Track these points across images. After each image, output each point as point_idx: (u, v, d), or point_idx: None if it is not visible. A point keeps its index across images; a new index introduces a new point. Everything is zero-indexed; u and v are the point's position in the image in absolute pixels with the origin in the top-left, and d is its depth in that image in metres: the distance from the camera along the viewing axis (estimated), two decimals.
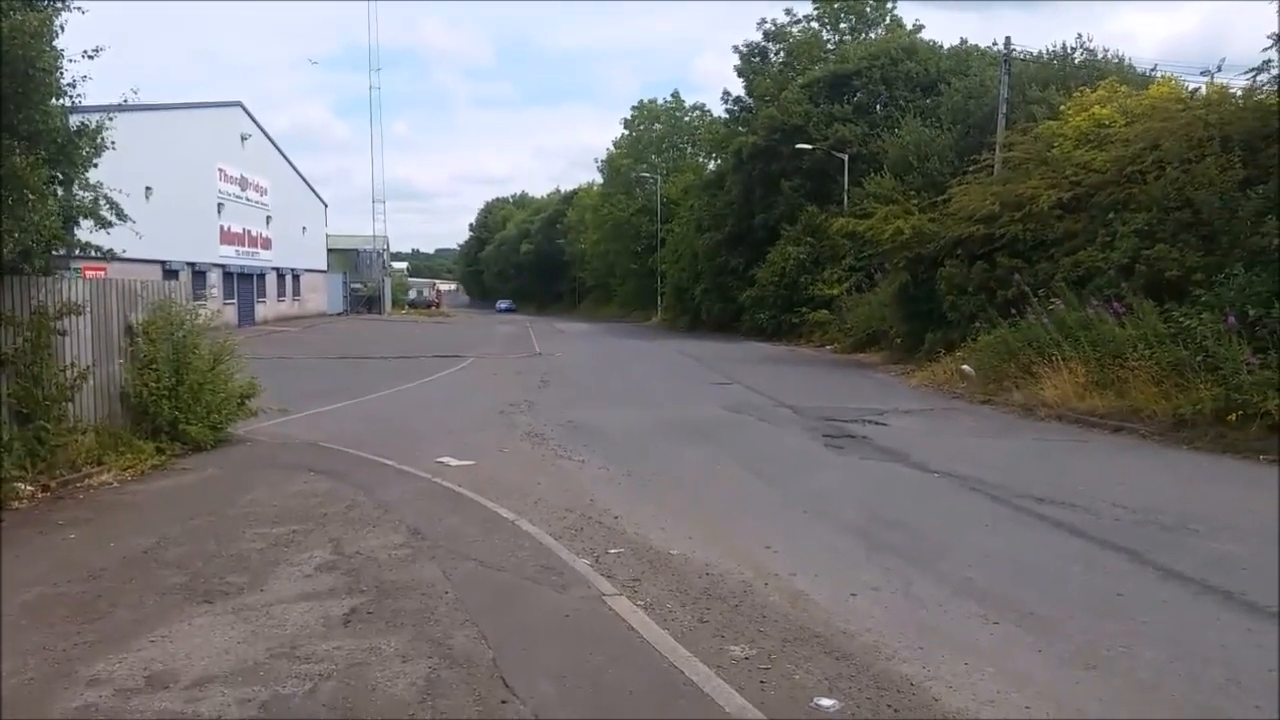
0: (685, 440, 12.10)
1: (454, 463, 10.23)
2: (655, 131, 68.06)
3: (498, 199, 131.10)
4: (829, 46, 43.76)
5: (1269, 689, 4.61)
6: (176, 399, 10.48)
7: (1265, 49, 14.60)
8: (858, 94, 37.11)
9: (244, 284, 44.17)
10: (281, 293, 49.98)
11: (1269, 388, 10.89)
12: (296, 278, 52.45)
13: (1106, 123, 18.93)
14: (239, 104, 44.75)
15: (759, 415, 14.44)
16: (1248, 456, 10.38)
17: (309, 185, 56.08)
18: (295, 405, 14.19)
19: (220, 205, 42.08)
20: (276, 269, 48.67)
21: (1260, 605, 5.62)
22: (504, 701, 4.46)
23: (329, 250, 60.29)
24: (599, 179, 78.36)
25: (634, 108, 69.48)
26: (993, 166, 21.64)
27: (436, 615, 5.51)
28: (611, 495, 8.77)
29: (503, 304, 74.88)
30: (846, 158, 34.36)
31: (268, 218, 47.30)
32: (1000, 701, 4.56)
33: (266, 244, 47.19)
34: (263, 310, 46.09)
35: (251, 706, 4.42)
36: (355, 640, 5.16)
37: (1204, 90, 17.44)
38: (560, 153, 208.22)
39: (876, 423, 13.46)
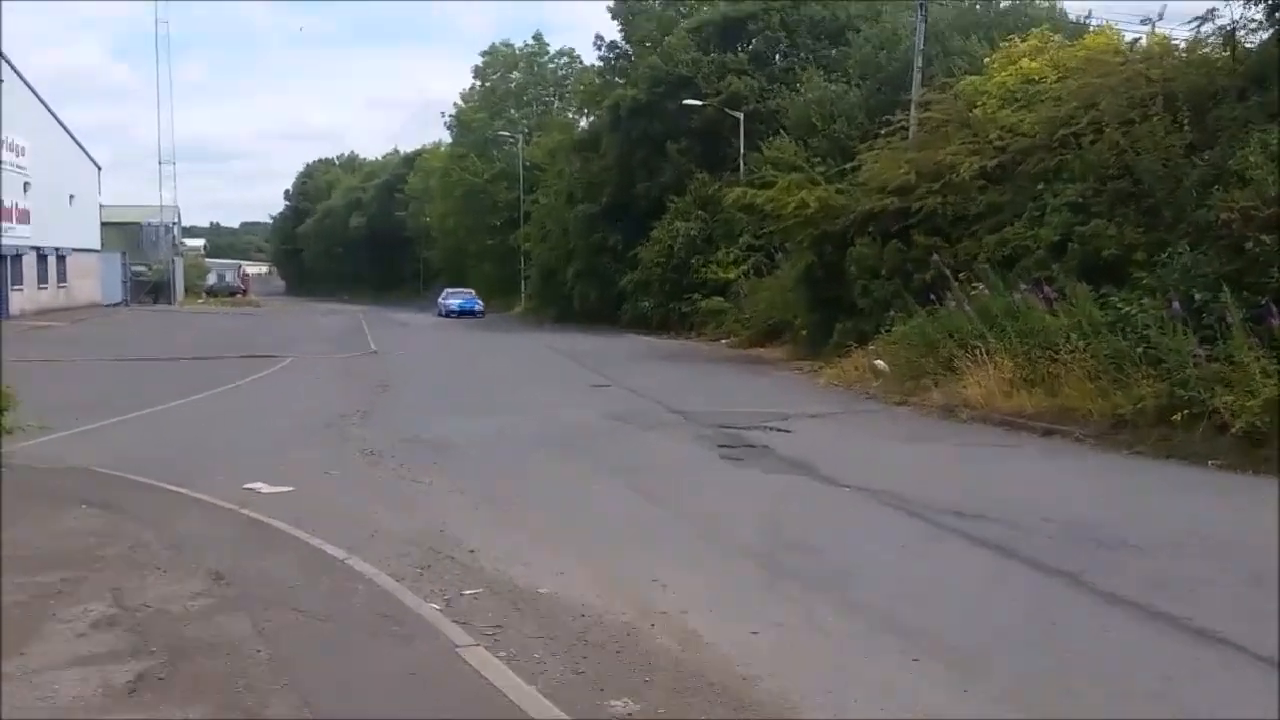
0: (556, 454, 12.08)
1: (267, 489, 9.91)
2: (513, 81, 67.85)
3: (320, 160, 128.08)
4: None
5: None
6: None
7: None
8: (754, 41, 37.90)
9: None
10: (43, 278, 47.53)
11: (1217, 383, 11.28)
12: (62, 259, 49.92)
13: (1036, 78, 19.80)
14: None
15: (643, 423, 14.53)
16: (1195, 461, 10.99)
17: (78, 143, 53.66)
18: (62, 421, 13.49)
19: None
20: (36, 248, 46.14)
21: (1211, 631, 5.98)
22: None
23: (104, 224, 57.50)
24: (447, 137, 77.74)
25: (486, 52, 69.26)
26: (908, 129, 22.38)
27: (248, 679, 5.31)
28: (466, 524, 8.67)
29: (454, 301, 53.02)
30: (742, 116, 35.00)
31: (25, 184, 44.74)
32: None
33: (23, 217, 44.61)
34: (19, 301, 43.67)
35: None
36: (144, 713, 4.92)
37: (1144, 42, 18.47)
38: (399, 104, 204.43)
39: (780, 429, 13.71)
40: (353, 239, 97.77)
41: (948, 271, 17.25)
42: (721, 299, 32.62)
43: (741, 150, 34.27)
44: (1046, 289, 15.00)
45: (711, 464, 11.50)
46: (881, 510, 9.11)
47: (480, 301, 53.08)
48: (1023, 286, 15.45)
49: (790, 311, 26.11)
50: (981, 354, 14.99)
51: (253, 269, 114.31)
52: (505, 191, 63.21)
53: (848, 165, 23.64)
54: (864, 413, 15.62)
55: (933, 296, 17.30)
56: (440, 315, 51.35)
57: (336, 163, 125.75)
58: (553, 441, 13.02)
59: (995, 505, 9.07)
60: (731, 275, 32.53)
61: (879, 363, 18.04)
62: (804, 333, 24.43)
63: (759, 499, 9.58)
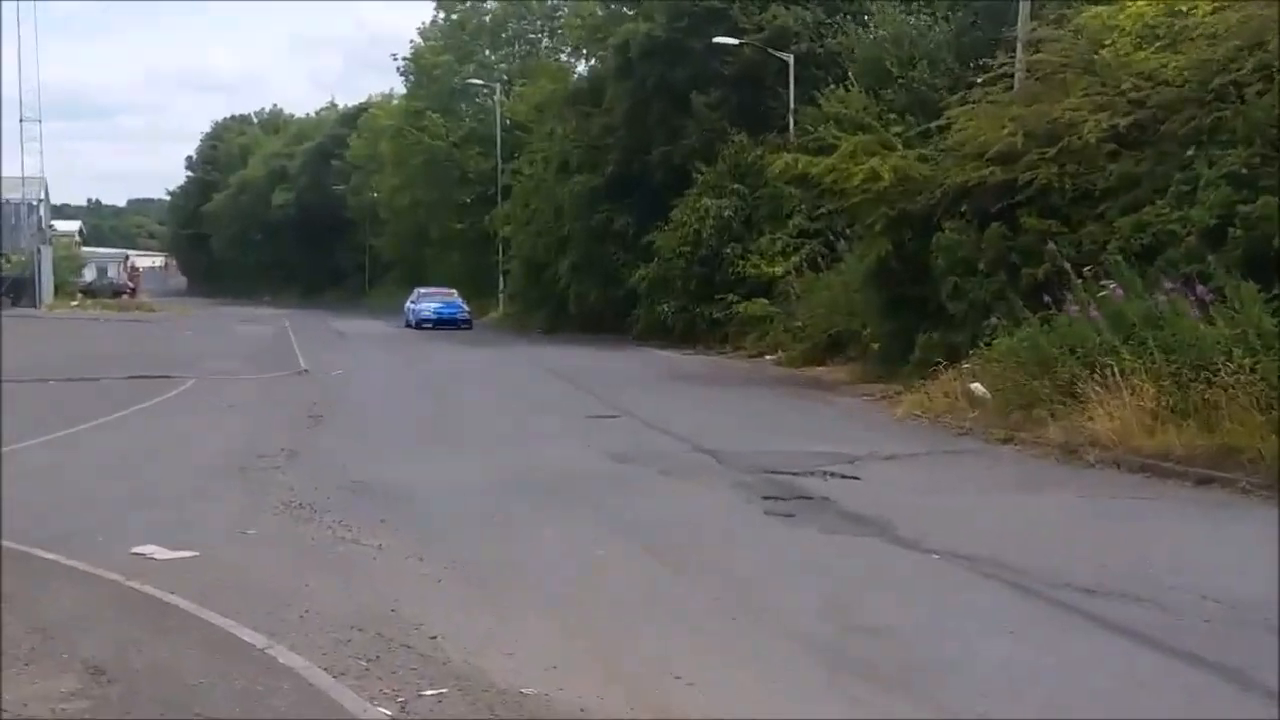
0: (545, 507, 12.08)
1: (163, 554, 9.92)
2: (488, 13, 68.31)
3: (233, 118, 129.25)
4: None
5: None
6: None
7: None
8: None
9: None
10: None
11: None
12: None
13: (1184, 8, 19.73)
14: None
15: (662, 466, 14.52)
16: None
17: None
18: None
19: None
20: None
21: None
22: None
23: None
24: (400, 87, 78.27)
25: None
26: (1012, 76, 22.41)
27: None
28: (427, 600, 8.65)
29: (430, 305, 51.81)
30: (792, 59, 35.12)
31: None
32: None
33: None
34: None
35: None
36: None
37: None
38: (334, 43, 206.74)
39: (843, 476, 13.66)
40: (276, 221, 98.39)
41: (1067, 266, 17.21)
42: (765, 301, 32.71)
43: (791, 104, 34.38)
44: (1200, 289, 14.95)
45: (752, 521, 11.47)
46: (982, 584, 9.05)
47: (465, 306, 52.50)
48: (1167, 285, 15.40)
49: (857, 318, 26.12)
50: (1113, 376, 14.94)
51: (144, 261, 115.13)
52: (478, 158, 63.53)
53: (933, 124, 23.63)
54: (956, 453, 15.57)
55: (1047, 299, 17.30)
56: (409, 325, 50.79)
57: (255, 121, 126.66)
58: (541, 490, 12.99)
59: (1135, 579, 9.01)
60: (778, 270, 32.61)
61: (976, 387, 18.00)
62: (875, 346, 24.43)
63: (816, 567, 9.55)
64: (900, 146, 23.08)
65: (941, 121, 22.94)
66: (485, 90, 64.49)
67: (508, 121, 59.42)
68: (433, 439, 17.49)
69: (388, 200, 74.99)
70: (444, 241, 68.52)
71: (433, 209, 68.10)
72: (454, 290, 54.75)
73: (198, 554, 9.98)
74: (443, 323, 49.42)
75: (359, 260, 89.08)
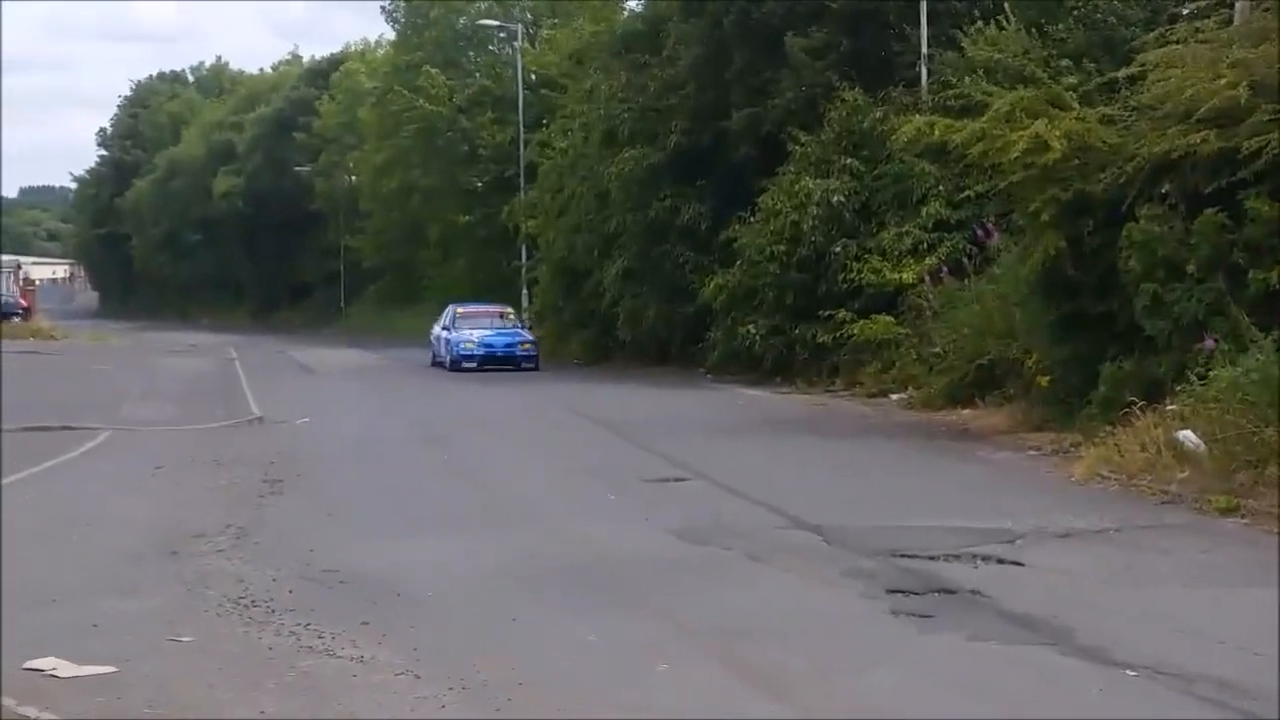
0: (587, 606, 12.04)
1: (68, 670, 9.97)
2: None
3: (162, 76, 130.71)
4: None
5: None
6: None
7: None
8: None
9: None
10: None
11: None
12: None
13: None
14: None
15: (750, 549, 14.48)
16: None
17: None
18: None
19: None
20: None
21: None
22: None
23: None
24: (387, 34, 78.88)
25: None
26: (1232, 6, 22.29)
27: None
28: None
29: (476, 333, 46.82)
30: None
31: None
32: None
33: None
34: None
35: None
36: None
37: None
38: None
39: (1000, 561, 13.63)
40: (219, 216, 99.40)
41: None
42: (890, 319, 32.53)
43: (923, 48, 34.40)
44: None
45: (874, 624, 11.40)
46: (1198, 713, 8.95)
47: (528, 333, 49.13)
48: None
49: (1017, 343, 25.90)
50: None
51: (41, 271, 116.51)
52: (491, 128, 63.78)
53: (1120, 73, 23.47)
54: (1158, 529, 15.40)
55: None
56: (441, 364, 47.07)
57: (190, 80, 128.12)
58: (580, 583, 12.99)
59: None
60: (907, 276, 32.49)
61: (1185, 436, 17.82)
62: (1043, 381, 24.21)
63: (963, 690, 9.47)
64: (1076, 104, 22.93)
65: (1133, 69, 22.79)
66: (502, 35, 64.94)
67: (532, 77, 59.79)
68: (432, 512, 17.45)
69: (370, 186, 75.50)
70: (446, 241, 68.92)
71: (431, 197, 68.53)
72: (508, 309, 51.35)
73: (114, 669, 9.99)
74: (494, 360, 45.17)
75: (330, 268, 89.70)
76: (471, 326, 47.37)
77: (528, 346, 46.61)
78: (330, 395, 35.86)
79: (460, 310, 49.17)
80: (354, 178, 79.56)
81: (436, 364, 47.40)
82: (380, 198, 74.14)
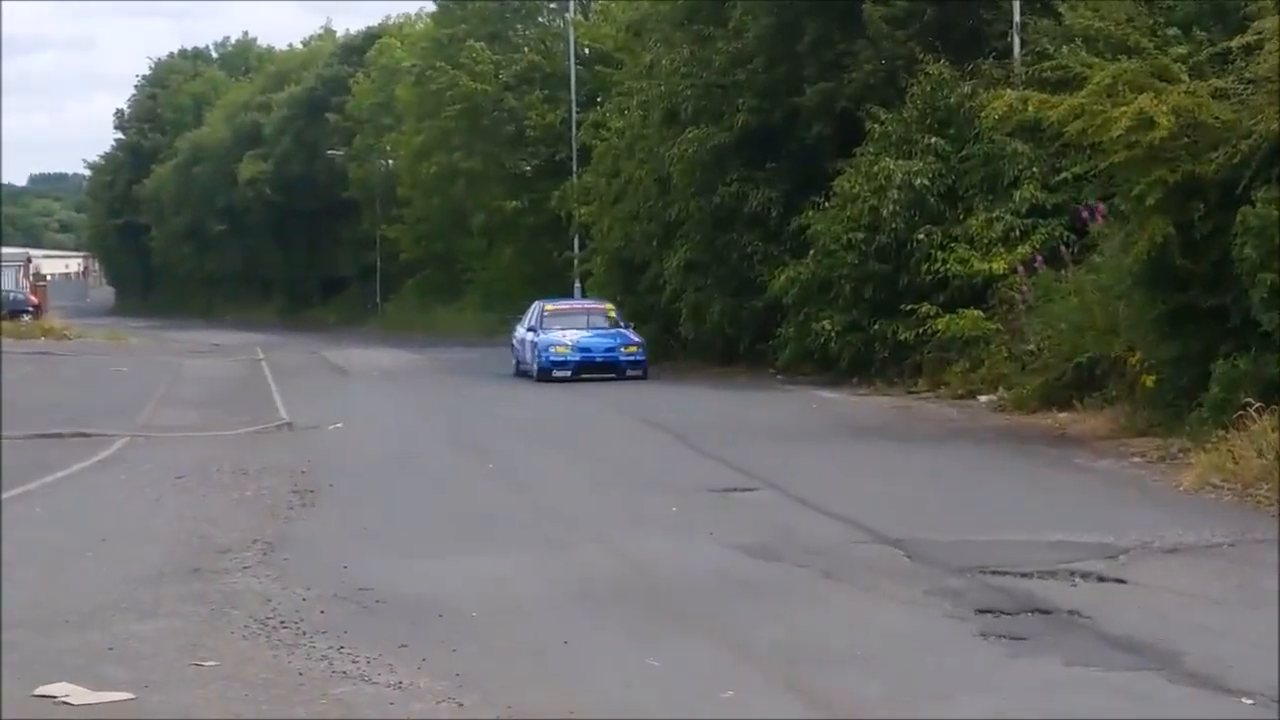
0: (644, 628, 12.06)
1: (82, 697, 10.01)
2: None
3: (183, 53, 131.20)
4: None
5: None
6: None
7: None
8: None
9: None
10: None
11: None
12: None
13: None
14: None
15: (825, 566, 14.46)
16: None
17: None
18: None
19: None
20: None
21: None
22: None
23: None
24: (428, 5, 78.99)
25: None
26: None
27: None
28: None
29: (570, 335, 43.01)
30: None
31: None
32: None
33: None
34: None
35: None
36: None
37: None
38: None
39: (1101, 578, 13.57)
40: (245, 205, 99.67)
41: None
42: (979, 314, 32.39)
43: (1016, 16, 34.25)
44: None
45: (963, 647, 11.34)
46: None
47: (634, 335, 43.87)
48: None
49: (1120, 339, 25.78)
50: None
51: (53, 265, 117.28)
52: (541, 108, 63.82)
53: (1234, 43, 23.33)
54: (1275, 544, 15.19)
55: None
56: (527, 372, 43.26)
57: (214, 57, 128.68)
58: (637, 603, 13.00)
59: None
60: (998, 267, 32.37)
61: None
62: (1149, 382, 24.09)
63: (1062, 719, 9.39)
64: (1185, 77, 22.78)
65: (1249, 38, 22.63)
66: (552, 6, 65.02)
67: (586, 51, 59.82)
68: (475, 527, 17.53)
69: (408, 171, 75.64)
70: (491, 230, 69.00)
71: (475, 182, 68.62)
72: (608, 305, 46.78)
73: (132, 696, 10.02)
74: (593, 367, 41.50)
75: (366, 260, 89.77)
76: (564, 326, 43.54)
77: (634, 350, 42.39)
78: (366, 399, 35.96)
79: (549, 307, 45.44)
80: (391, 162, 79.77)
81: (521, 372, 43.70)
82: (420, 184, 74.20)
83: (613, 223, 50.93)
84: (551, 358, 41.83)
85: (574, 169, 57.36)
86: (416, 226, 78.27)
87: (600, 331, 43.47)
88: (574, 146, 57.59)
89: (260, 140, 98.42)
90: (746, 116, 41.54)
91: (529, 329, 43.99)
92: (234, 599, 13.16)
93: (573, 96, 58.74)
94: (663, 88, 46.28)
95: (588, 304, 48.14)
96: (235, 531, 16.54)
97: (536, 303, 46.50)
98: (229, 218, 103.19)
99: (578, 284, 57.65)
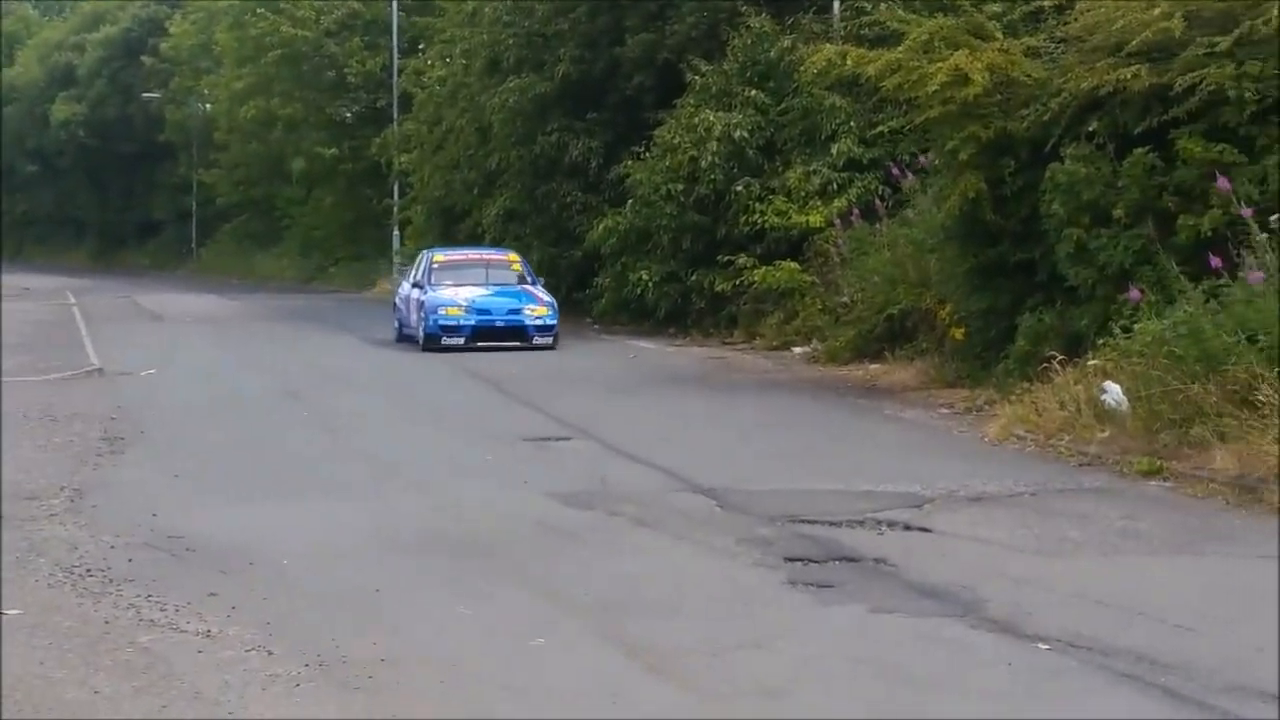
0: (457, 576, 12.12)
1: None
2: None
3: None
4: None
5: None
6: None
7: None
8: None
9: None
10: None
11: None
12: None
13: None
14: None
15: (638, 514, 14.55)
16: None
17: None
18: None
19: None
20: None
21: None
22: None
23: None
24: None
25: None
26: None
27: None
28: (279, 715, 8.63)
29: (464, 294, 35.09)
30: None
31: None
32: None
33: None
34: None
35: None
36: None
37: None
38: None
39: (908, 527, 13.76)
40: (57, 148, 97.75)
41: (1248, 212, 17.25)
42: (795, 266, 32.57)
43: None
44: None
45: (771, 595, 11.48)
46: (1116, 689, 9.06)
47: (546, 295, 35.90)
48: None
49: (931, 292, 26.02)
50: None
51: None
52: (362, 55, 63.25)
53: (1045, 1, 23.56)
54: (1077, 493, 15.59)
55: (1216, 262, 17.28)
56: (411, 337, 36.15)
57: None
58: (451, 551, 13.02)
59: None
60: (814, 219, 32.53)
61: (1109, 392, 18.01)
62: (958, 334, 24.34)
63: (865, 666, 9.54)
64: (999, 34, 22.99)
65: None
66: None
67: None
68: (289, 474, 17.46)
69: (226, 115, 74.62)
70: (311, 176, 68.31)
71: (295, 129, 67.92)
72: (511, 255, 39.16)
73: None
74: (493, 334, 34.52)
75: (182, 205, 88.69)
76: (457, 282, 35.97)
77: (543, 313, 34.83)
78: (180, 345, 35.45)
79: (440, 258, 37.86)
80: (209, 106, 78.63)
81: (406, 337, 36.60)
82: (238, 129, 73.28)
83: (433, 171, 50.64)
84: (441, 321, 34.49)
85: (395, 116, 56.96)
86: (234, 172, 77.39)
87: (503, 289, 35.87)
88: (395, 94, 57.24)
89: (74, 81, 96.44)
90: (568, 66, 41.33)
91: (414, 284, 36.49)
92: (40, 547, 13.02)
93: (394, 44, 58.32)
94: (485, 36, 46.04)
95: (487, 253, 39.63)
96: (42, 479, 16.31)
97: (424, 251, 39.98)
98: (40, 159, 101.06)
99: (396, 231, 57.39)
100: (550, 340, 34.29)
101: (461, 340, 33.99)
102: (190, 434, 20.63)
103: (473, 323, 34.35)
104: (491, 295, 35.19)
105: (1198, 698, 8.79)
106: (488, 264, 37.60)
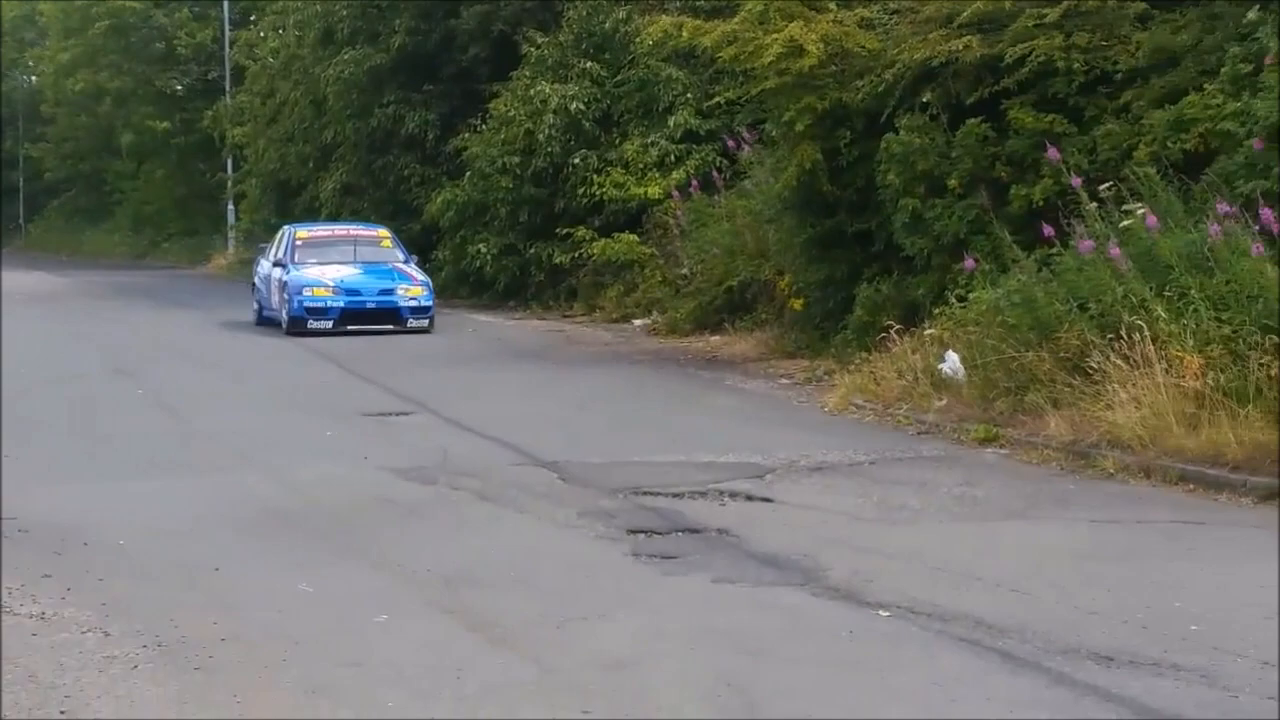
0: (297, 553, 12.07)
1: None
2: None
3: None
4: None
5: None
6: None
7: None
8: None
9: None
10: None
11: None
12: None
13: None
14: None
15: (478, 488, 14.58)
16: None
17: None
18: None
19: None
20: None
21: None
22: None
23: None
24: None
25: None
26: None
27: None
28: (116, 697, 8.51)
29: (331, 274, 32.71)
30: None
31: None
32: None
33: None
34: None
35: None
36: None
37: None
38: None
39: (749, 497, 13.85)
40: None
41: (1077, 182, 17.49)
42: (634, 238, 32.66)
43: None
44: (1267, 214, 15.23)
45: (612, 567, 11.52)
46: (952, 652, 9.18)
47: (420, 274, 33.87)
48: (1221, 210, 15.65)
49: (769, 263, 26.18)
50: (1142, 343, 15.16)
51: None
52: (192, 26, 62.55)
53: None
54: (915, 461, 15.79)
55: (1048, 231, 17.48)
56: (280, 320, 33.03)
57: None
58: (297, 527, 12.95)
59: (1173, 641, 9.20)
60: (652, 191, 32.64)
61: (946, 361, 18.25)
62: (796, 305, 24.50)
63: (707, 636, 9.58)
64: (834, 6, 23.10)
65: None
66: None
67: None
68: (125, 452, 17.23)
69: (53, 88, 73.53)
70: (142, 150, 67.57)
71: (124, 101, 67.04)
72: (382, 230, 36.78)
73: None
74: (363, 316, 32.21)
75: (8, 180, 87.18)
76: (323, 260, 33.59)
77: (418, 293, 32.67)
78: (7, 324, 34.87)
79: (303, 234, 35.34)
80: (34, 78, 77.46)
81: (267, 320, 34.25)
82: (65, 102, 72.37)
83: (268, 145, 50.29)
84: (306, 303, 32.09)
85: (227, 89, 56.41)
86: (62, 146, 76.44)
87: (373, 267, 33.48)
88: (227, 66, 56.72)
89: None
90: (404, 38, 41.16)
91: (275, 263, 33.96)
92: None
93: (225, 15, 57.77)
94: (318, 7, 45.77)
95: (356, 229, 36.93)
96: None
97: (286, 227, 36.80)
98: None
99: (231, 205, 56.96)
100: (426, 323, 32.26)
101: (329, 324, 31.76)
102: (20, 413, 20.07)
103: (341, 304, 32.08)
104: (361, 275, 32.88)
105: (1034, 660, 8.91)
106: (356, 240, 35.21)
